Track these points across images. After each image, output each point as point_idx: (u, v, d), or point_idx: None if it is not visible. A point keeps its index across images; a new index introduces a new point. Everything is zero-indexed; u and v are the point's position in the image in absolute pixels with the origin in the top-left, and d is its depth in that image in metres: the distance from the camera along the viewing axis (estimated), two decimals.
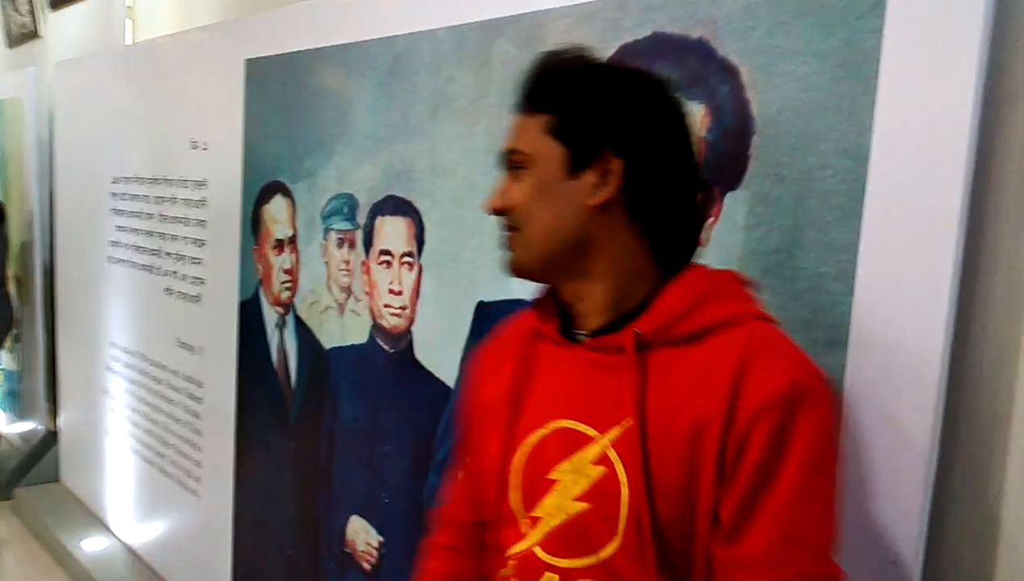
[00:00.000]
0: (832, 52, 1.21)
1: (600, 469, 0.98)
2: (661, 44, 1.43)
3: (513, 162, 1.05)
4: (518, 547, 1.06)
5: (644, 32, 1.46)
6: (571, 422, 1.02)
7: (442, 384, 1.88)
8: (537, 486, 1.04)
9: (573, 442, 1.01)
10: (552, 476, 1.02)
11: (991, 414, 1.14)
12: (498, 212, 1.06)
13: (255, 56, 2.48)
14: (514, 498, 1.07)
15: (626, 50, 1.48)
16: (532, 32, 1.65)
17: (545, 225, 1.02)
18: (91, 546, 3.44)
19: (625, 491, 0.96)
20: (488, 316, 1.76)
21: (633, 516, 0.95)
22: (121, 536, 3.42)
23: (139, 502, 3.27)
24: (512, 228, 1.05)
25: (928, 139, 1.11)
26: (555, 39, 1.60)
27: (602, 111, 1.01)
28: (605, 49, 1.51)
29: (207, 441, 2.78)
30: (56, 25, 4.61)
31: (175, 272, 2.92)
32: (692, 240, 1.07)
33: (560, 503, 1.01)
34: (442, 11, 1.85)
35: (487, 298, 1.77)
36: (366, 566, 2.11)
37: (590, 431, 1.01)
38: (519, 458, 1.06)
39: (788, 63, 1.26)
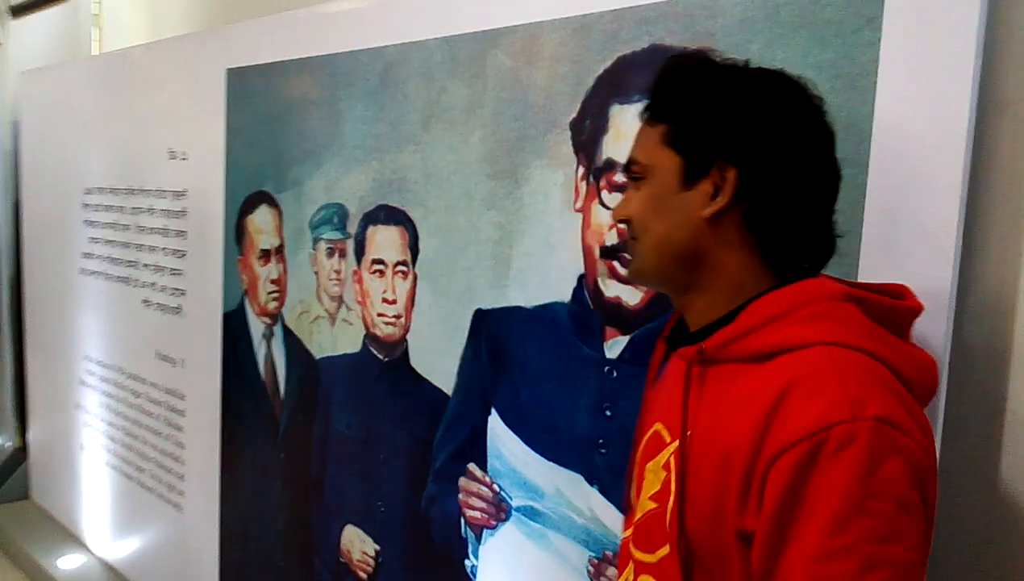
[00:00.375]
0: (830, 64, 1.25)
1: (663, 474, 1.00)
2: (659, 55, 1.46)
3: (633, 172, 1.05)
4: (624, 535, 1.14)
5: (642, 44, 1.49)
6: (660, 425, 1.05)
7: (439, 391, 1.89)
8: (640, 481, 1.08)
9: (658, 445, 1.04)
10: (645, 474, 1.06)
11: (986, 422, 1.19)
12: (620, 221, 1.08)
13: (237, 66, 2.47)
14: (632, 490, 1.14)
15: (624, 61, 1.52)
16: (527, 44, 1.67)
17: (658, 237, 1.02)
18: (68, 564, 3.38)
19: (671, 500, 0.96)
20: (486, 324, 1.78)
21: (674, 525, 0.96)
22: (98, 552, 3.36)
23: (117, 517, 3.22)
24: (632, 237, 1.06)
25: (925, 147, 1.16)
26: (551, 51, 1.63)
27: (716, 119, 0.97)
28: (602, 60, 1.55)
29: (190, 453, 2.75)
30: (17, 33, 4.52)
31: (153, 284, 2.88)
32: (816, 249, 1.03)
33: (643, 500, 1.04)
34: (434, 22, 1.86)
35: (485, 306, 1.79)
36: (362, 576, 2.11)
37: (667, 436, 1.02)
38: (638, 454, 1.12)
39: None
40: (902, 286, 1.06)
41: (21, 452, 4.13)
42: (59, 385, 3.66)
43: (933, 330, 1.13)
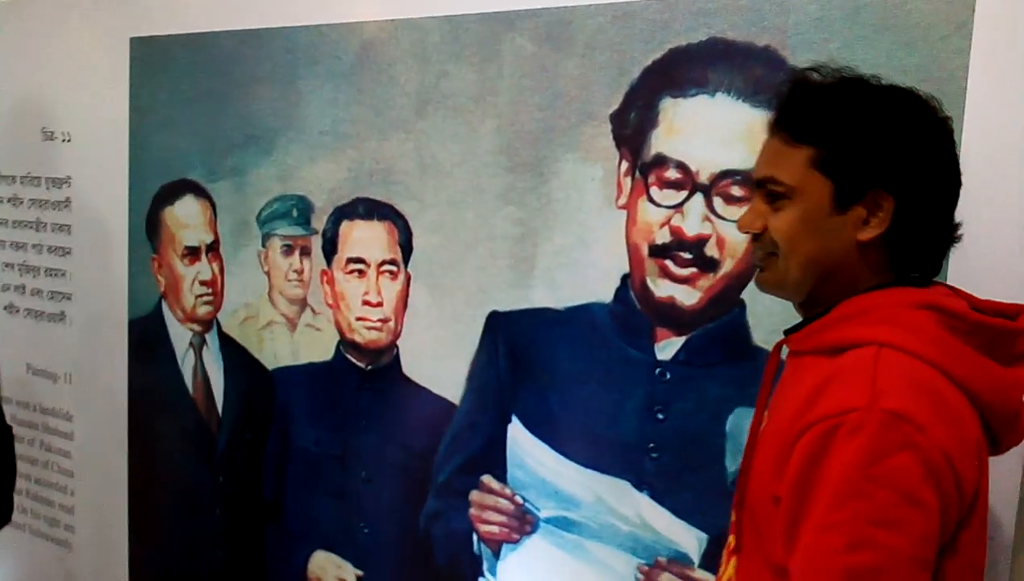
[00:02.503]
0: (916, 68, 1.28)
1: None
2: (720, 50, 1.43)
3: (772, 191, 1.04)
4: None
5: (699, 37, 1.45)
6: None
7: (440, 400, 1.76)
8: None
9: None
10: None
11: None
12: (754, 235, 1.07)
13: (145, 35, 2.13)
14: None
15: (677, 53, 1.47)
16: (556, 29, 1.57)
17: (807, 257, 1.03)
18: None
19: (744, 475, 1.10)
20: (503, 327, 1.67)
21: (737, 491, 1.11)
22: None
23: None
24: (770, 253, 1.06)
25: (1015, 152, 1.22)
26: (586, 38, 1.55)
27: (871, 147, 0.98)
28: (651, 51, 1.49)
29: (82, 483, 2.37)
30: None
31: (21, 286, 2.45)
32: (937, 259, 1.06)
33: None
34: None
35: (501, 308, 1.67)
36: None
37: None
38: None
39: None
40: (1022, 307, 1.07)
41: None
42: None
43: None
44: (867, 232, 1.01)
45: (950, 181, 1.03)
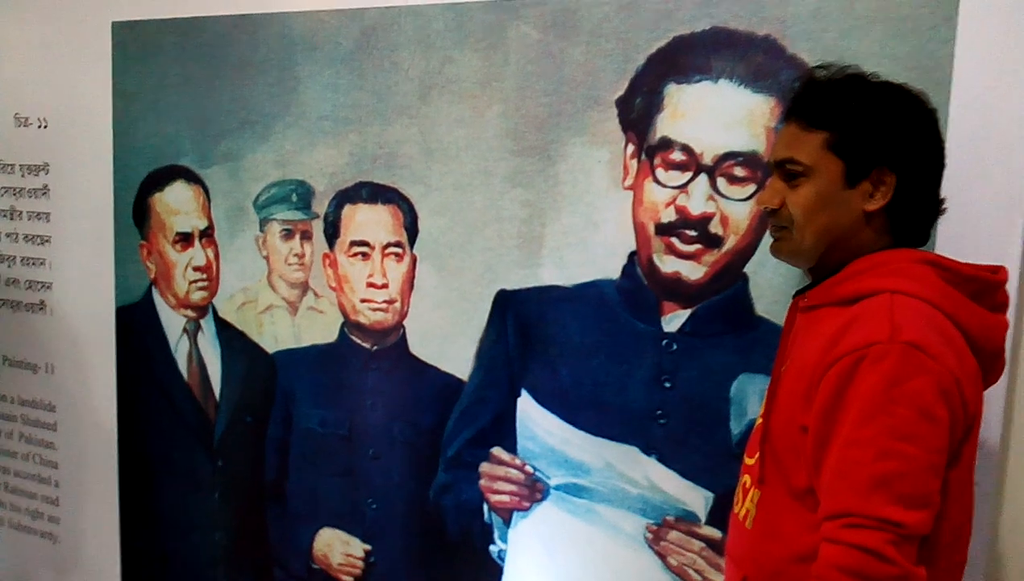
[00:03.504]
0: (905, 56, 1.40)
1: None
2: (723, 38, 1.52)
3: (789, 171, 1.20)
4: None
5: (702, 26, 1.53)
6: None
7: (449, 378, 1.82)
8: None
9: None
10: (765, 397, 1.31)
11: None
12: (771, 211, 1.22)
13: (128, 19, 2.11)
14: None
15: (681, 41, 1.55)
16: (561, 17, 1.64)
17: (821, 227, 1.19)
18: None
19: (762, 410, 1.26)
20: (512, 304, 1.74)
21: (761, 434, 1.24)
22: None
23: None
24: (783, 226, 1.22)
25: (998, 133, 1.35)
26: (591, 27, 1.62)
27: (876, 130, 1.15)
28: (655, 39, 1.57)
29: (68, 474, 2.35)
30: None
31: None
32: (927, 230, 1.23)
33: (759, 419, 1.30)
34: None
35: (509, 286, 1.74)
36: (347, 579, 1.97)
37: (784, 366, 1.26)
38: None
39: (862, 64, 1.40)
40: (1001, 267, 1.24)
41: None
42: None
43: None
44: (873, 203, 1.18)
45: (938, 160, 1.21)
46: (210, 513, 2.14)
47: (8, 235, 2.36)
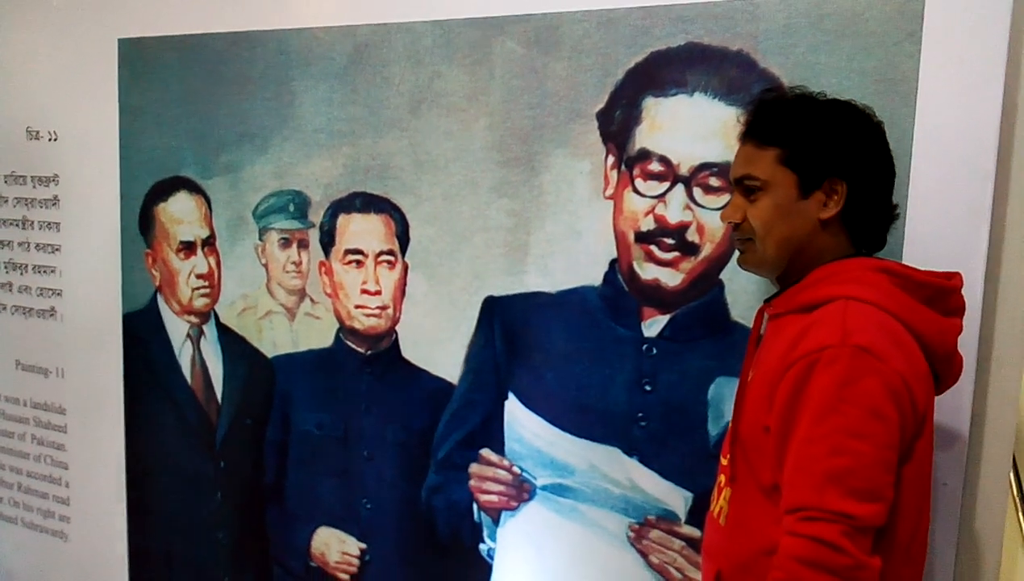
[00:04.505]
0: (872, 69, 1.44)
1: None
2: (697, 53, 1.57)
3: (747, 186, 1.28)
4: None
5: (678, 41, 1.59)
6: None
7: (439, 381, 1.88)
8: None
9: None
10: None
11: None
12: (736, 225, 1.31)
13: (133, 36, 2.19)
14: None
15: (658, 56, 1.61)
16: (544, 33, 1.70)
17: (782, 237, 1.27)
18: None
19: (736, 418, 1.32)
20: (499, 310, 1.80)
21: (731, 435, 1.32)
22: None
23: None
24: (748, 239, 1.30)
25: (962, 143, 1.39)
26: (572, 42, 1.68)
27: (823, 142, 1.23)
28: (633, 54, 1.63)
29: (79, 474, 2.43)
30: None
31: (7, 284, 2.48)
32: (883, 235, 1.31)
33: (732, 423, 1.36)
34: (422, 4, 1.81)
35: (496, 293, 1.80)
36: (343, 577, 2.04)
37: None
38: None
39: (831, 77, 1.47)
40: (956, 273, 1.30)
41: None
42: None
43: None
44: (827, 211, 1.26)
45: (887, 169, 1.29)
46: (213, 513, 2.21)
47: (20, 244, 2.44)
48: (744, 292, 1.58)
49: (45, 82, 2.35)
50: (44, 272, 2.41)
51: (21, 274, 2.45)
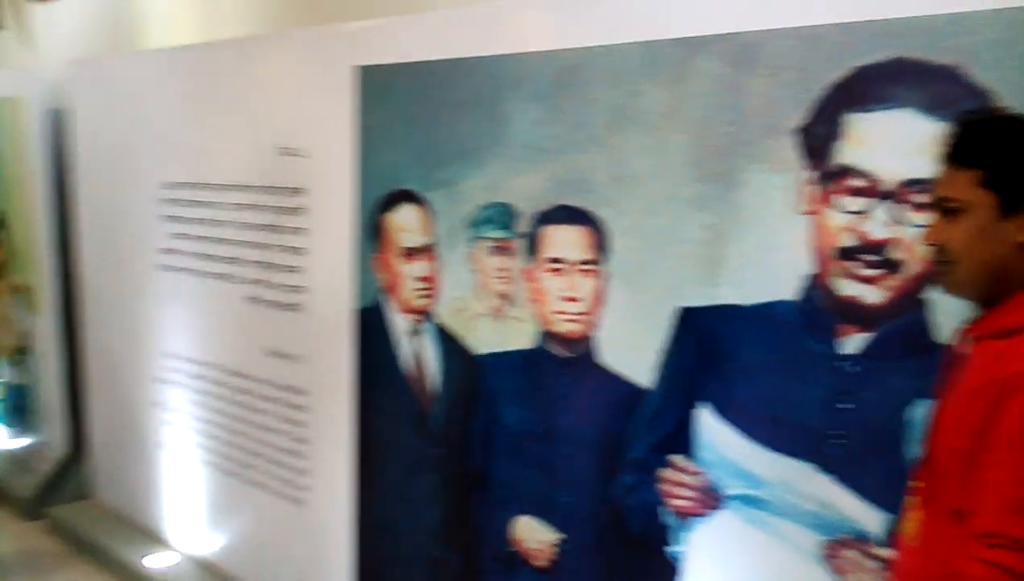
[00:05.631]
0: None
1: None
2: (905, 68, 1.54)
3: (948, 207, 1.27)
4: None
5: (883, 56, 1.56)
6: None
7: (632, 387, 1.96)
8: None
9: None
10: None
11: None
12: (935, 246, 1.30)
13: (367, 64, 2.46)
14: None
15: (862, 72, 1.59)
16: (744, 51, 1.73)
17: (980, 260, 1.26)
18: (157, 562, 3.37)
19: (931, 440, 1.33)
20: (693, 321, 1.86)
21: (925, 457, 1.32)
22: (186, 549, 3.36)
23: (214, 514, 3.22)
24: (946, 261, 1.29)
25: None
26: (771, 59, 1.69)
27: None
28: (834, 70, 1.62)
29: (316, 449, 2.77)
30: (42, 19, 4.36)
31: (261, 281, 2.87)
32: None
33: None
34: (628, 27, 1.90)
35: (690, 304, 1.86)
36: (539, 563, 2.19)
37: None
38: None
39: None
40: None
41: (74, 453, 4.07)
42: (127, 383, 3.61)
43: None
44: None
45: None
46: (427, 491, 2.44)
47: (273, 246, 2.81)
48: (952, 313, 1.53)
49: (292, 105, 2.69)
50: (292, 271, 2.76)
51: (274, 273, 2.83)
